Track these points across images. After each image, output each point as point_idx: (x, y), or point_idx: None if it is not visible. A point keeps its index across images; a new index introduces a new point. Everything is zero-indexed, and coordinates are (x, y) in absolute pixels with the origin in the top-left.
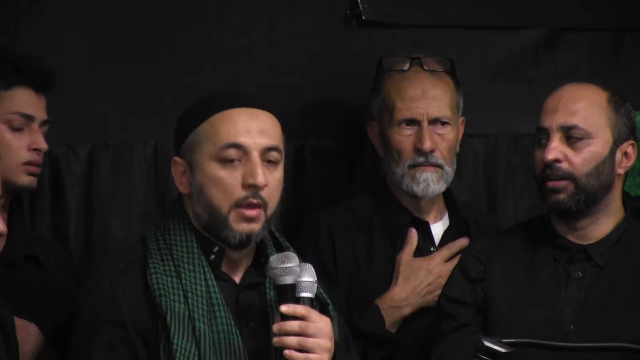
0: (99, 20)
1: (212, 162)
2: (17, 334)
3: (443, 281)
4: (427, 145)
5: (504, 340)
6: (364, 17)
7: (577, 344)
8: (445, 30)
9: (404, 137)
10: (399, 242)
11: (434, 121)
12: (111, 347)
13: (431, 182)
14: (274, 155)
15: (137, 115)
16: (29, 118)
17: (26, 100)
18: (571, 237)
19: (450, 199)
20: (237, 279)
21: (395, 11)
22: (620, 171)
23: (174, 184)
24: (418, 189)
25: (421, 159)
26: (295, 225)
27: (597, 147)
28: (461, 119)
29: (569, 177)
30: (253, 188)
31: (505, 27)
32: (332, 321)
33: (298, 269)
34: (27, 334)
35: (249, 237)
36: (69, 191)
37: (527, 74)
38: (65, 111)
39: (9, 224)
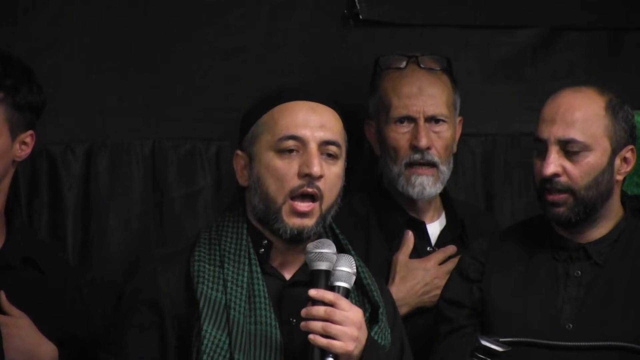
0: (97, 19)
1: (270, 152)
2: (5, 329)
3: (439, 282)
4: (423, 142)
5: (501, 340)
6: (361, 16)
7: (576, 343)
8: (443, 29)
9: (400, 134)
10: (395, 242)
11: (430, 119)
12: (142, 327)
13: (427, 186)
14: (332, 149)
15: (135, 114)
16: None
17: None
18: (570, 236)
19: (447, 199)
20: (287, 275)
21: (392, 10)
22: (620, 177)
23: (171, 183)
24: (413, 192)
25: (417, 156)
26: None
27: (595, 158)
28: (458, 118)
29: (568, 190)
30: (308, 177)
31: (503, 26)
32: (379, 324)
33: (334, 256)
34: (17, 328)
35: (300, 232)
36: (66, 190)
37: (525, 73)
38: (63, 110)
39: (8, 225)
